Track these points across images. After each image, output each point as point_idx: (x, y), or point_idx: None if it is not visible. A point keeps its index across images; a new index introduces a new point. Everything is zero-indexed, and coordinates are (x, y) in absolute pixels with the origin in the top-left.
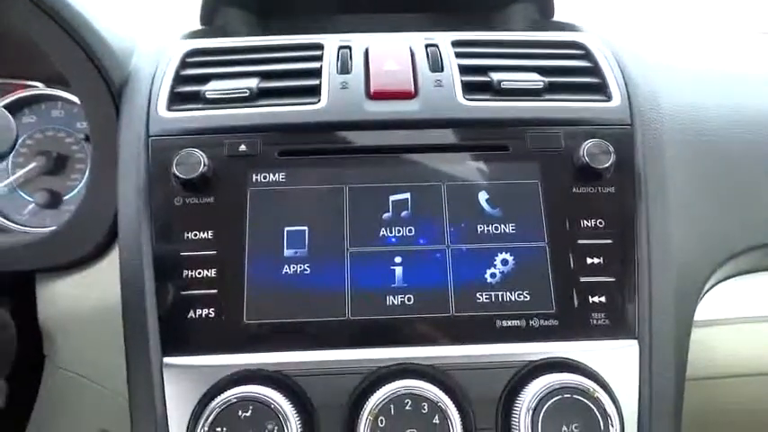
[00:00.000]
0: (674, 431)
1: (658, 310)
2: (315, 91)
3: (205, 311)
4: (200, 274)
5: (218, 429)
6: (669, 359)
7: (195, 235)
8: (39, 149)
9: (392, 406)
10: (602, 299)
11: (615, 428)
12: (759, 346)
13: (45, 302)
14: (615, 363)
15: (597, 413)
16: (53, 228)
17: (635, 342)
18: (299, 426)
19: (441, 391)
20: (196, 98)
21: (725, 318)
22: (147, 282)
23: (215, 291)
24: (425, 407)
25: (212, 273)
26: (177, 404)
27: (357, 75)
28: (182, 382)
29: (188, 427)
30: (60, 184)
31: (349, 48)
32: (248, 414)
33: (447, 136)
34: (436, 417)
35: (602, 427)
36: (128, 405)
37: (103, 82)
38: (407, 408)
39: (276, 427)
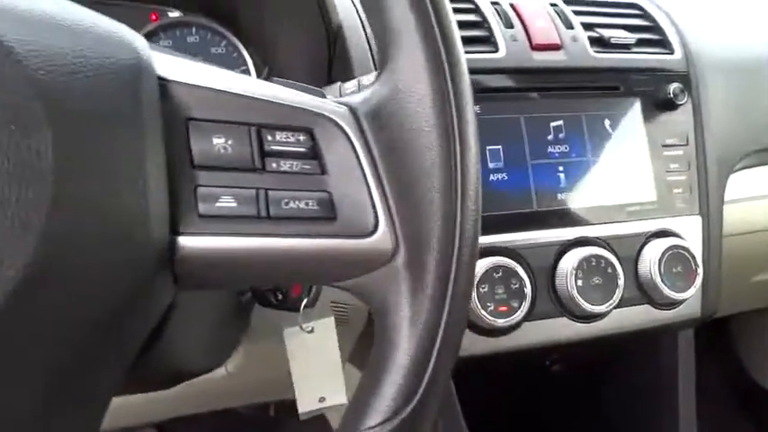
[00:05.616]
0: (719, 268)
1: (713, 191)
2: (489, 41)
3: None
4: None
5: (482, 286)
6: (718, 225)
7: None
8: None
9: (584, 263)
10: (680, 189)
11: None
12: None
13: None
14: (692, 230)
15: (691, 260)
16: None
17: (699, 217)
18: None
19: (610, 253)
20: None
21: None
22: None
23: None
24: (602, 263)
25: None
26: None
27: (519, 30)
28: None
29: None
30: None
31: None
32: (500, 275)
33: (584, 79)
34: (609, 269)
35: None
36: None
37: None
38: (593, 264)
39: (519, 282)
